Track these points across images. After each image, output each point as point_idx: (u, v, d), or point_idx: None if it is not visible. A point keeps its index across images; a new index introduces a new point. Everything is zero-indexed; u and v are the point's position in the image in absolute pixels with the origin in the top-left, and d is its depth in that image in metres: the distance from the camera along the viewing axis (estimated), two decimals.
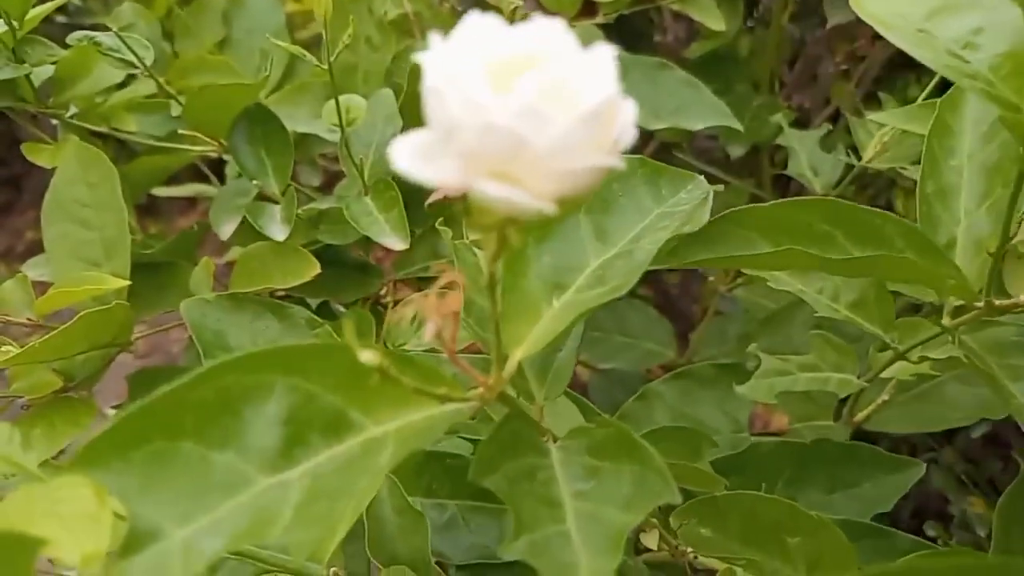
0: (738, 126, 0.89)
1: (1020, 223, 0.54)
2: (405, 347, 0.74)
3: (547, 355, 0.45)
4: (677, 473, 0.52)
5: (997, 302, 0.55)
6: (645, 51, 1.10)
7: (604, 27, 1.05)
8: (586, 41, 0.89)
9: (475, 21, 0.31)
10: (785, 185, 1.13)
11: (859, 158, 0.89)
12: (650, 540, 0.55)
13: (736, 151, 1.08)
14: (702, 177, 0.50)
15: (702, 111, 0.90)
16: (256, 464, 0.36)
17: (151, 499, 0.34)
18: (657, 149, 1.22)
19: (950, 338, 0.60)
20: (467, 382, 0.40)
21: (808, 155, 0.94)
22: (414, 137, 0.31)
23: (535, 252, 0.45)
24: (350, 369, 0.36)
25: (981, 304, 0.55)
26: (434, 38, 0.30)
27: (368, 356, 0.33)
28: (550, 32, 0.31)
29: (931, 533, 0.98)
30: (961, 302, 0.58)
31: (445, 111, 0.29)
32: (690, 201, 0.48)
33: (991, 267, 0.54)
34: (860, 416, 0.79)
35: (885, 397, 0.78)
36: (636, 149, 1.05)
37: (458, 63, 0.29)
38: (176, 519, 0.34)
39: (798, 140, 0.95)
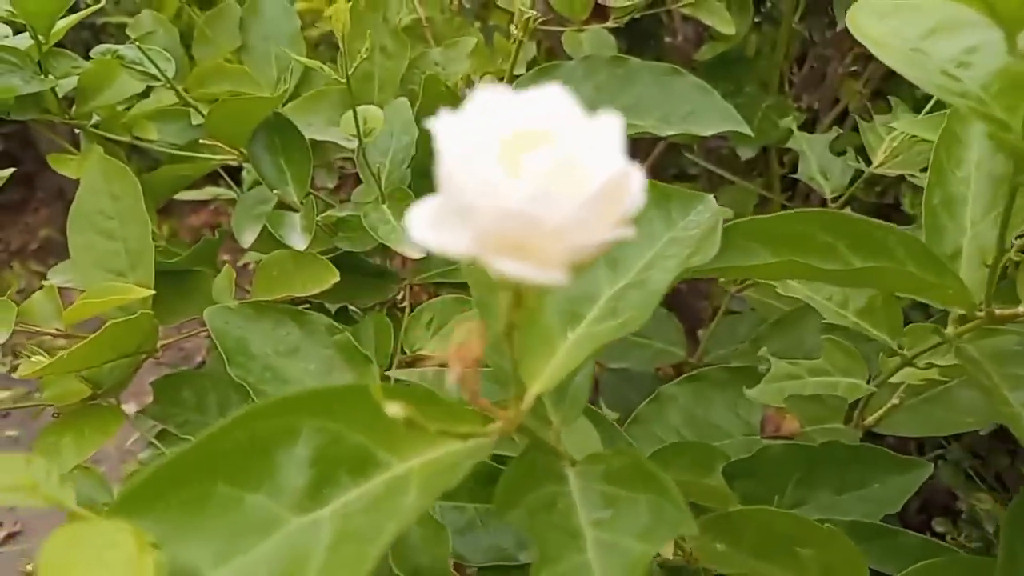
0: (749, 132, 0.90)
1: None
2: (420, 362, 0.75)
3: (565, 381, 0.46)
4: (691, 490, 0.54)
5: (997, 312, 0.56)
6: (654, 53, 1.11)
7: (614, 30, 1.06)
8: (597, 46, 0.90)
9: (486, 95, 0.32)
10: (793, 186, 1.14)
11: (868, 161, 0.90)
12: (666, 549, 0.57)
13: (746, 153, 1.09)
14: (711, 197, 0.51)
15: (713, 117, 0.91)
16: (287, 504, 0.37)
17: (188, 542, 0.35)
18: (666, 149, 1.23)
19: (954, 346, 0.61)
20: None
21: (818, 159, 0.95)
22: (429, 204, 0.32)
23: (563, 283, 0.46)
24: (374, 409, 0.37)
25: (982, 314, 0.57)
26: (443, 112, 0.31)
27: (395, 409, 0.35)
28: (556, 103, 0.32)
29: (939, 529, 1.00)
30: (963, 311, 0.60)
31: (459, 191, 0.30)
32: (700, 224, 0.49)
33: (990, 278, 0.55)
34: (871, 419, 0.80)
35: (895, 401, 0.79)
36: (646, 149, 1.06)
37: (470, 141, 0.30)
38: (212, 561, 0.35)
39: (808, 143, 0.96)
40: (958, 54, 0.49)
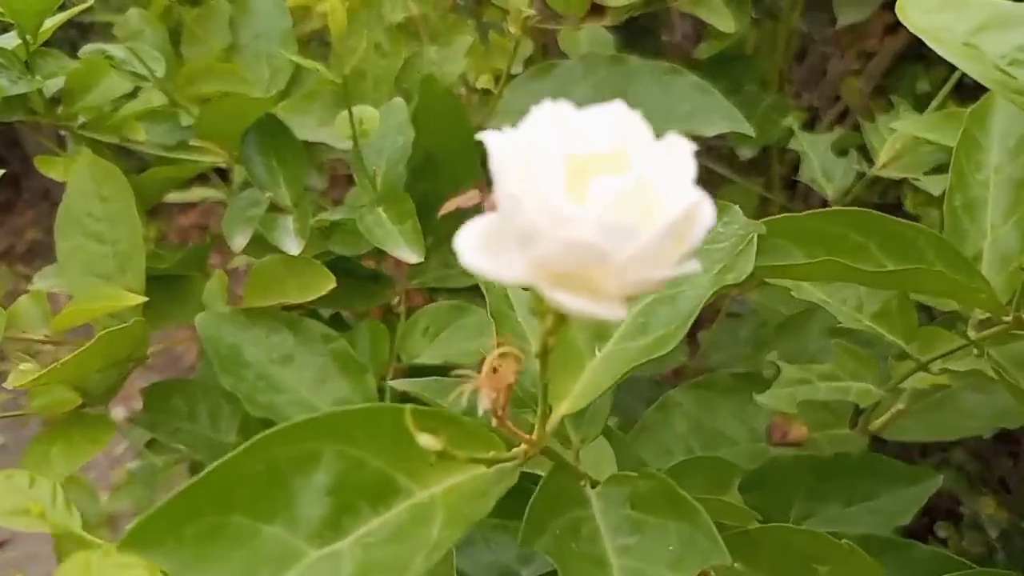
0: (750, 132, 0.88)
1: None
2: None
3: None
4: (709, 508, 0.52)
5: None
6: (653, 50, 1.09)
7: (612, 28, 1.04)
8: (594, 44, 0.89)
9: (547, 109, 0.30)
10: (793, 186, 1.13)
11: (870, 161, 0.89)
12: None
13: (746, 152, 1.08)
14: (737, 208, 0.49)
15: (714, 116, 0.89)
16: (305, 536, 0.36)
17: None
18: None
19: (975, 351, 0.60)
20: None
21: (820, 160, 0.93)
22: (480, 226, 0.29)
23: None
24: (394, 432, 0.35)
25: (1009, 318, 0.55)
26: (493, 130, 0.29)
27: (428, 441, 0.33)
28: (623, 122, 0.30)
29: (942, 534, 0.99)
30: (986, 315, 0.58)
31: (520, 215, 0.28)
32: (728, 236, 0.47)
33: (1022, 281, 0.54)
34: (876, 424, 0.79)
35: (901, 406, 0.78)
36: None
37: (533, 159, 0.28)
38: None
39: (810, 144, 0.95)
40: (1011, 51, 0.48)
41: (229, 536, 0.35)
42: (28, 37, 0.77)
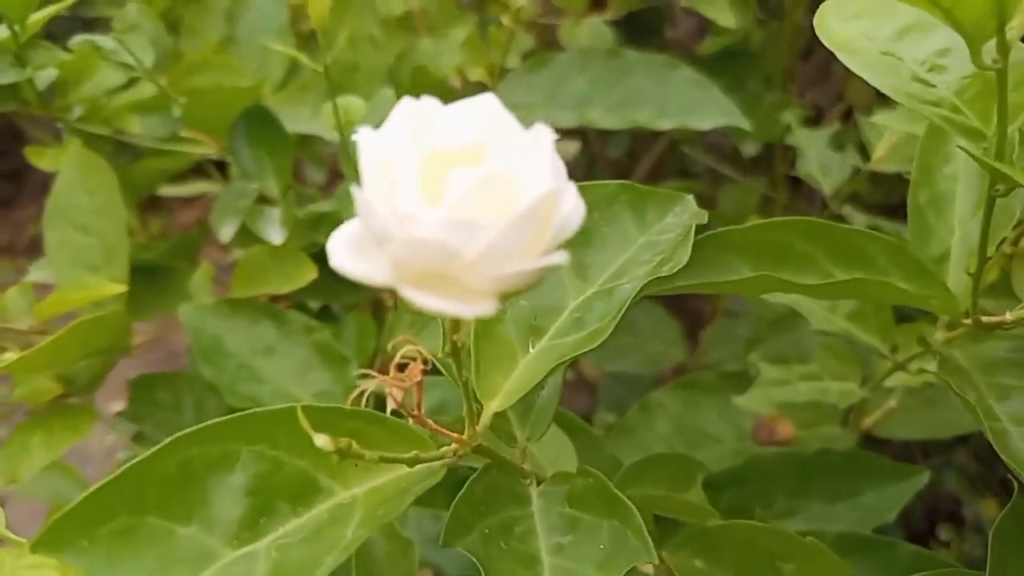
0: (747, 126, 0.87)
1: (1002, 240, 0.53)
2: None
3: (528, 395, 0.43)
4: (669, 505, 0.51)
5: (984, 319, 0.53)
6: (655, 46, 1.08)
7: (614, 23, 1.03)
8: (594, 38, 0.88)
9: (410, 106, 0.30)
10: (798, 184, 1.11)
11: (868, 157, 0.88)
12: (646, 567, 0.54)
13: (748, 149, 1.07)
14: (691, 197, 0.48)
15: (711, 110, 0.88)
16: (221, 537, 0.35)
17: None
18: (668, 146, 1.21)
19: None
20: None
21: (817, 155, 0.92)
22: (349, 229, 0.29)
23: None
24: (320, 431, 0.35)
25: (968, 321, 0.54)
26: (364, 129, 0.29)
27: (322, 441, 0.32)
28: (488, 115, 0.30)
29: (944, 536, 0.97)
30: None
31: (374, 215, 0.27)
32: (677, 227, 0.46)
33: (973, 285, 0.52)
34: (868, 422, 0.78)
35: (892, 404, 0.77)
36: (646, 145, 1.04)
37: (389, 158, 0.28)
38: None
39: (807, 140, 0.94)
40: (931, 56, 0.46)
41: (143, 537, 0.35)
42: (16, 28, 0.77)
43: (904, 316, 0.69)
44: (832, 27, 0.47)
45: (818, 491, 0.70)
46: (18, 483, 0.71)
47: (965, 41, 0.41)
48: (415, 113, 0.30)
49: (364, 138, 0.29)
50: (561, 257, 0.28)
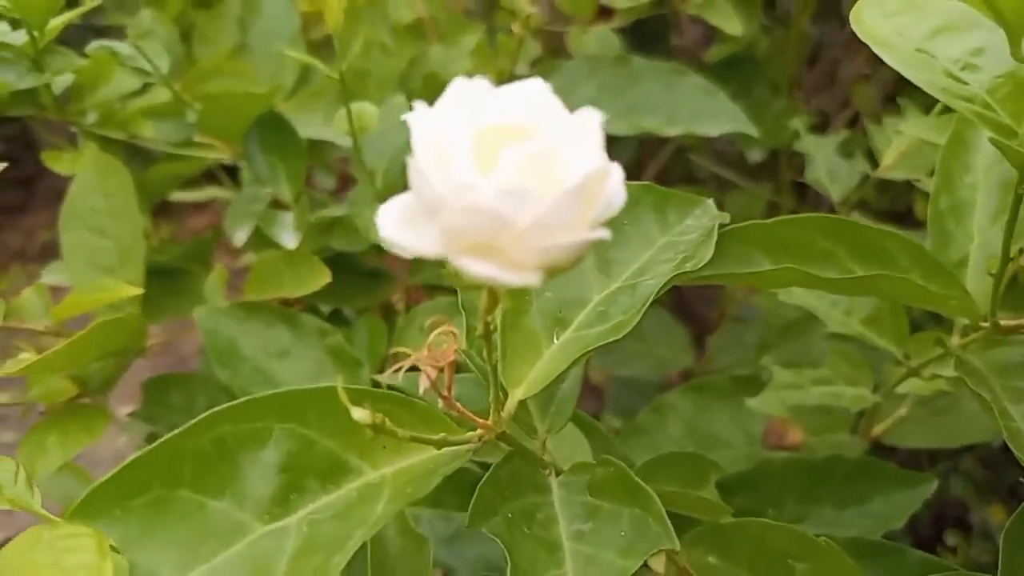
0: (754, 132, 0.88)
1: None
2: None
3: (550, 387, 0.44)
4: (683, 502, 0.52)
5: (1003, 323, 0.54)
6: (662, 53, 1.09)
7: (622, 31, 1.04)
8: (602, 46, 0.89)
9: (462, 85, 0.31)
10: (804, 191, 1.12)
11: (876, 164, 0.88)
12: (657, 563, 0.55)
13: (754, 156, 1.07)
14: (711, 201, 0.49)
15: (718, 117, 0.89)
16: (253, 511, 0.36)
17: (150, 547, 0.34)
18: (675, 152, 1.21)
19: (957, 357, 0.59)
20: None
21: (826, 162, 0.93)
22: (400, 201, 0.30)
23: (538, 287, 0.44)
24: (348, 413, 0.35)
25: (987, 324, 0.54)
26: (419, 104, 0.30)
27: (360, 414, 0.33)
28: (537, 98, 0.31)
29: (951, 543, 0.97)
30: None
31: (428, 186, 0.28)
32: (697, 229, 0.47)
33: (994, 288, 0.52)
34: (878, 430, 0.78)
35: (903, 411, 0.77)
36: (652, 151, 1.05)
37: (443, 134, 0.29)
38: (174, 568, 0.34)
39: (815, 146, 0.94)
40: (964, 55, 0.47)
41: (176, 509, 0.36)
42: (36, 33, 0.78)
43: (917, 327, 0.69)
44: (868, 23, 0.48)
45: (828, 497, 0.70)
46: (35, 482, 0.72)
47: (1005, 32, 0.42)
48: (468, 92, 0.31)
49: (418, 114, 0.30)
50: (605, 233, 0.29)
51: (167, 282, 0.83)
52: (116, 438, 1.08)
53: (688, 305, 1.28)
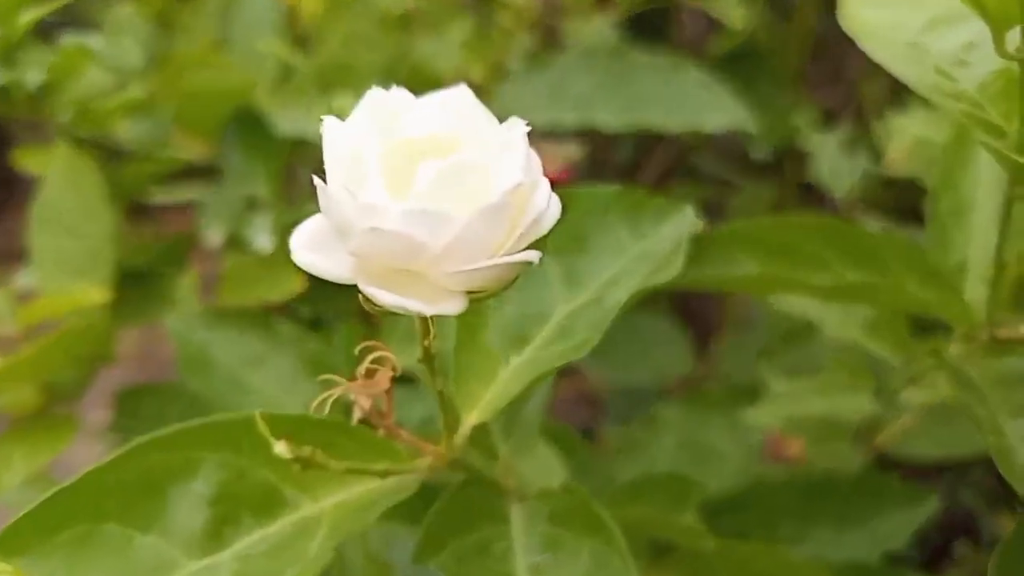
0: (752, 128, 0.84)
1: None
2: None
3: (513, 406, 0.41)
4: (661, 527, 0.49)
5: (1000, 333, 0.50)
6: (663, 47, 1.06)
7: (619, 23, 1.01)
8: (599, 38, 0.85)
9: (377, 95, 0.28)
10: (810, 190, 1.09)
11: (880, 161, 0.85)
12: None
13: (758, 153, 1.04)
14: (689, 208, 0.45)
15: (718, 113, 0.86)
16: (182, 546, 0.34)
17: None
18: (678, 151, 1.18)
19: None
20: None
21: (829, 160, 0.89)
22: (311, 224, 0.28)
23: (496, 299, 0.41)
24: (287, 440, 0.33)
25: (985, 335, 0.51)
26: (329, 119, 0.27)
27: (281, 448, 0.30)
28: (460, 107, 0.28)
29: (960, 552, 0.94)
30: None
31: (336, 206, 0.26)
32: (675, 237, 0.43)
33: (989, 296, 0.49)
34: (882, 439, 0.75)
35: (908, 421, 0.74)
36: (651, 148, 1.01)
37: (352, 150, 0.27)
38: None
39: (819, 144, 0.91)
40: (957, 50, 0.44)
41: (101, 544, 0.34)
42: (5, 29, 0.75)
43: (925, 329, 0.66)
44: (854, 13, 0.45)
45: (825, 516, 0.67)
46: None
47: (989, 27, 0.38)
48: (382, 104, 0.28)
49: (328, 128, 0.27)
50: (533, 255, 0.26)
51: (140, 286, 0.81)
52: (93, 446, 1.06)
53: (691, 310, 1.25)
